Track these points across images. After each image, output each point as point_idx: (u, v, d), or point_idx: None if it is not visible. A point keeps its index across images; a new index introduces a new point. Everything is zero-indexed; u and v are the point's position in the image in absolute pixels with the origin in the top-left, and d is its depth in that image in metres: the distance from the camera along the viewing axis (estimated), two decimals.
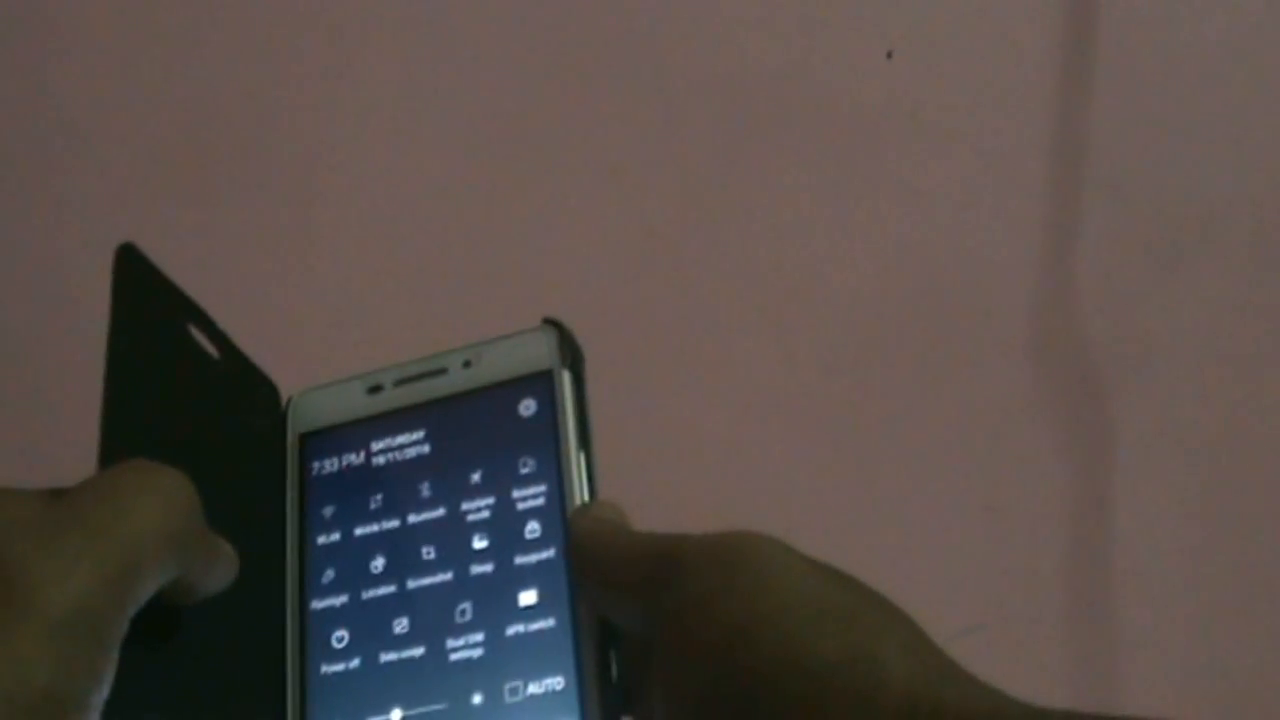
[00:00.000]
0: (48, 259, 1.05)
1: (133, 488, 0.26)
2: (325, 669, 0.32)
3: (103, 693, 0.24)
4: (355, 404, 0.36)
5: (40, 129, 1.09)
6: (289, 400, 0.36)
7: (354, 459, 0.35)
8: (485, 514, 0.33)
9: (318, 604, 0.33)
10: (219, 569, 0.28)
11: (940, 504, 0.97)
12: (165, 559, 0.25)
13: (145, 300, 0.31)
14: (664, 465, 0.94)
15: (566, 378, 0.34)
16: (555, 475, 0.32)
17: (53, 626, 0.22)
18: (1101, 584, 0.97)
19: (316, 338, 0.99)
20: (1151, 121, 1.08)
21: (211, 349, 0.34)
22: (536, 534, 0.32)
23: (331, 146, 1.09)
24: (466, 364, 0.35)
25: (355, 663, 0.32)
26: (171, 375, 0.32)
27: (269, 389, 0.36)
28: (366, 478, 0.34)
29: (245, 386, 0.35)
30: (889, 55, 1.09)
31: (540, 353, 0.35)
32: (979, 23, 1.10)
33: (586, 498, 0.32)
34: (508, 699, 0.30)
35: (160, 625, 0.28)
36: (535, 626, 0.31)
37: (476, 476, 0.33)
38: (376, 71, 1.11)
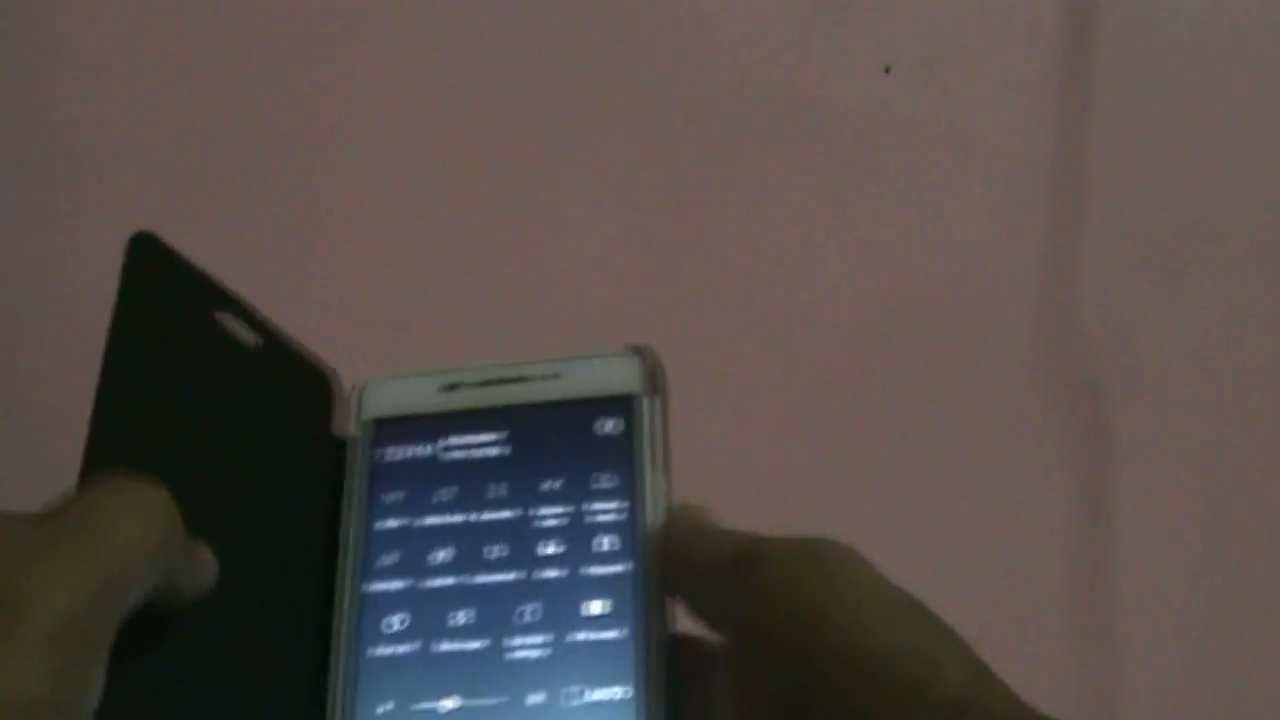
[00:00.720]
0: (55, 266, 1.05)
1: (113, 504, 0.26)
2: (377, 652, 0.32)
3: (94, 700, 0.24)
4: (430, 398, 0.36)
5: (46, 138, 1.10)
6: (357, 386, 0.36)
7: (426, 450, 0.35)
8: (558, 522, 0.33)
9: (374, 587, 0.33)
10: (200, 576, 0.28)
11: (941, 515, 0.97)
12: (148, 570, 0.26)
13: (160, 290, 0.31)
14: None
15: (654, 404, 0.35)
16: (632, 495, 0.33)
17: (42, 637, 0.23)
18: (1102, 595, 0.97)
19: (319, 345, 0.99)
20: (1151, 134, 1.08)
21: (250, 337, 0.33)
22: (608, 548, 0.33)
23: (332, 156, 1.09)
24: (550, 376, 0.36)
25: (409, 648, 0.32)
26: (190, 365, 0.32)
27: (319, 375, 0.36)
28: (436, 470, 0.35)
29: (290, 373, 0.35)
30: (887, 70, 1.10)
31: (627, 376, 0.36)
32: (977, 37, 1.11)
33: (661, 520, 0.33)
34: (565, 702, 0.31)
35: (168, 623, 0.28)
36: (600, 636, 0.31)
37: (551, 485, 0.34)
38: (377, 85, 1.11)
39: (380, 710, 0.31)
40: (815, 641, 0.27)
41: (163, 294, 0.31)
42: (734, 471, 0.98)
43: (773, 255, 1.05)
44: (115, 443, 0.29)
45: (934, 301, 1.04)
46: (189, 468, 0.30)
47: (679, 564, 0.32)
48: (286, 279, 1.03)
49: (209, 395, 0.32)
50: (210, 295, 0.33)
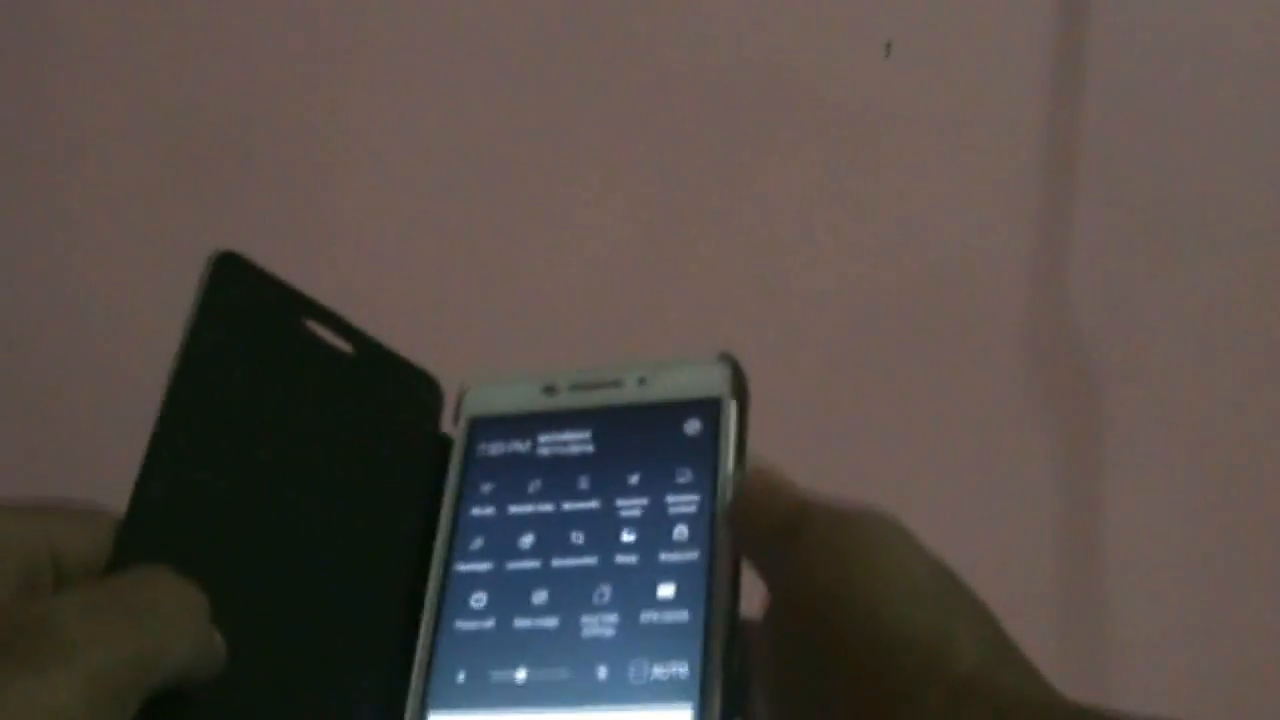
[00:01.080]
0: (54, 260, 1.05)
1: (165, 586, 0.29)
2: (460, 625, 0.35)
3: None
4: (528, 399, 0.39)
5: (45, 128, 1.10)
6: (462, 388, 0.39)
7: (519, 446, 0.38)
8: (637, 512, 0.36)
9: (462, 567, 0.36)
10: (215, 661, 0.30)
11: (934, 499, 0.98)
12: (182, 653, 0.28)
13: (245, 306, 0.33)
14: None
15: (734, 407, 0.37)
16: (710, 489, 0.35)
17: (87, 679, 0.25)
18: (1095, 580, 0.98)
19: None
20: (1147, 118, 1.08)
21: (344, 344, 0.36)
22: (683, 537, 0.35)
23: (334, 144, 1.09)
24: (641, 380, 0.38)
25: (490, 623, 0.35)
26: (281, 372, 0.34)
27: (423, 379, 0.38)
28: (528, 464, 0.37)
29: (389, 377, 0.37)
30: (887, 53, 1.10)
31: (713, 381, 0.37)
32: (975, 20, 1.10)
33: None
34: (632, 678, 0.33)
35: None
36: (669, 617, 0.33)
37: (634, 479, 0.36)
38: (379, 72, 1.11)
39: (459, 678, 0.34)
40: (840, 611, 0.28)
41: (250, 308, 0.33)
42: None
43: (767, 237, 1.06)
44: (190, 454, 0.31)
45: (929, 286, 1.04)
46: (281, 464, 0.32)
47: (744, 525, 0.34)
48: (287, 269, 1.03)
49: (303, 399, 0.34)
50: (299, 306, 0.35)
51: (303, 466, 0.33)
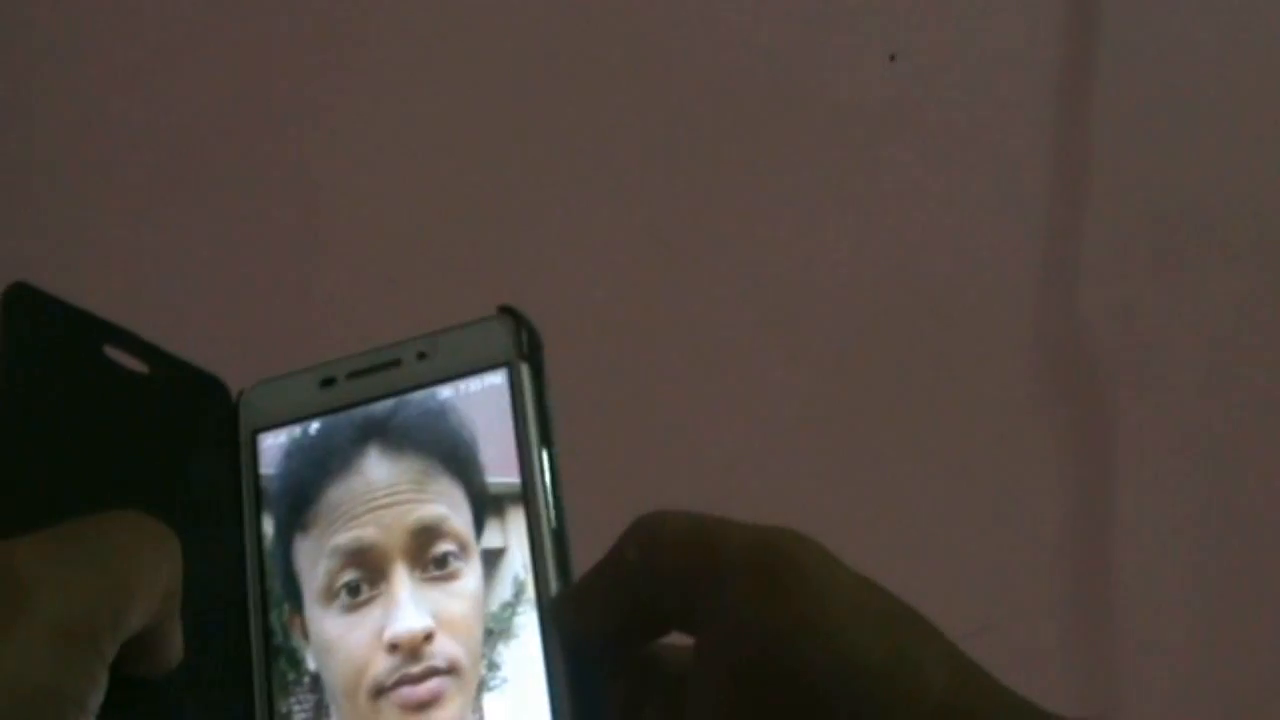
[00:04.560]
0: (50, 256, 1.05)
1: (133, 528, 0.27)
2: (278, 664, 0.33)
3: (99, 698, 0.25)
4: (309, 398, 0.35)
5: (40, 125, 1.10)
6: (239, 395, 0.36)
7: (305, 454, 0.34)
8: (447, 506, 0.33)
9: (269, 596, 0.33)
10: (171, 653, 0.28)
11: (942, 503, 0.97)
12: (152, 598, 0.26)
13: (39, 336, 0.31)
14: (664, 463, 0.94)
15: (525, 370, 0.33)
16: (516, 472, 0.32)
17: (53, 629, 0.23)
18: (1104, 583, 0.97)
19: (317, 333, 0.99)
20: (1154, 122, 1.08)
21: (140, 364, 0.33)
22: (498, 527, 0.32)
23: (328, 145, 1.09)
24: (420, 355, 0.35)
25: (307, 677, 0.32)
26: (85, 402, 0.32)
27: (215, 388, 0.35)
28: (318, 473, 0.34)
29: (189, 393, 0.35)
30: (892, 57, 1.09)
31: (499, 343, 0.34)
32: (981, 25, 1.10)
33: (550, 496, 0.32)
34: (476, 692, 0.31)
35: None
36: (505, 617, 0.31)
37: (433, 470, 0.33)
38: (373, 74, 1.11)
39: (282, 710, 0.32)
40: (793, 651, 0.25)
41: (45, 338, 0.31)
42: (736, 458, 0.98)
43: (774, 241, 1.05)
44: (13, 483, 0.29)
45: (936, 290, 1.04)
46: (91, 494, 0.30)
47: (628, 562, 0.30)
48: (283, 265, 1.03)
49: (103, 424, 0.32)
50: (95, 331, 0.32)
51: (113, 501, 0.31)
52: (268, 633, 0.33)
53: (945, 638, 0.26)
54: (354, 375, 0.35)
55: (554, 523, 0.31)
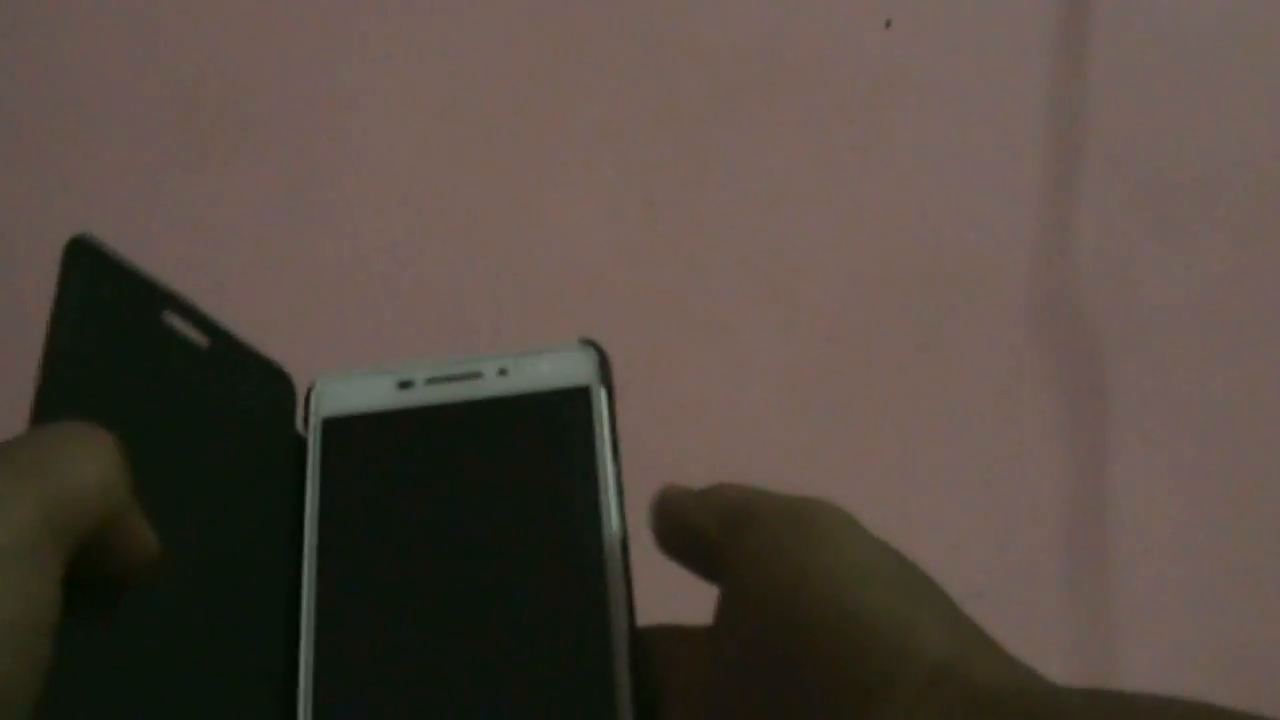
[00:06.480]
0: (53, 227, 1.05)
1: (64, 434, 0.26)
2: (336, 647, 0.33)
3: (54, 617, 0.24)
4: (383, 395, 0.36)
5: (45, 100, 1.09)
6: (311, 385, 0.36)
7: (377, 448, 0.35)
8: (511, 514, 0.34)
9: (333, 583, 0.33)
10: (139, 546, 0.28)
11: (939, 470, 0.98)
12: (98, 497, 0.26)
13: (101, 295, 0.31)
14: (662, 433, 0.94)
15: (603, 395, 0.35)
16: (591, 484, 0.33)
17: None
18: (1099, 550, 0.98)
19: (315, 314, 0.99)
20: (1149, 88, 1.08)
21: (199, 338, 0.33)
22: (567, 538, 0.33)
23: (330, 117, 1.09)
24: (502, 371, 0.36)
25: (367, 646, 0.32)
26: (134, 369, 0.31)
27: (278, 375, 0.36)
28: (389, 467, 0.35)
29: (241, 373, 0.35)
30: (888, 23, 1.09)
31: (578, 369, 0.36)
32: None
33: (615, 509, 0.33)
34: (521, 684, 0.31)
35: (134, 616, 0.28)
36: (560, 629, 0.32)
37: (505, 477, 0.34)
38: (374, 45, 1.11)
39: (343, 702, 0.32)
40: (798, 604, 0.27)
41: (106, 298, 0.31)
42: (736, 426, 0.98)
43: (770, 209, 1.05)
44: None
45: (931, 256, 1.04)
46: (140, 466, 0.29)
47: (670, 525, 0.32)
48: (285, 237, 1.03)
49: (158, 396, 0.32)
50: (156, 297, 0.32)
51: (162, 475, 0.30)
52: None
53: (950, 601, 0.27)
54: (433, 380, 0.36)
55: (620, 531, 0.33)
